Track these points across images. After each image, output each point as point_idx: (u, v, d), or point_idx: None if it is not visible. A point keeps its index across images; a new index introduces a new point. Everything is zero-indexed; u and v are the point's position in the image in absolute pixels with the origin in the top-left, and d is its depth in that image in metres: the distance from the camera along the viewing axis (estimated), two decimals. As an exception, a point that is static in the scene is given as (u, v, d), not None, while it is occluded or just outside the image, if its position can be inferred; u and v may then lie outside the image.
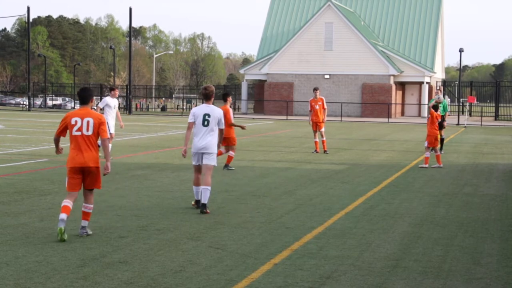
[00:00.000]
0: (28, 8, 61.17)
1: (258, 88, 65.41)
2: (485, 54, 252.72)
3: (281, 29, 68.55)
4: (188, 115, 11.99)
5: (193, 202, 11.75)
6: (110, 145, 19.25)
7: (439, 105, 23.35)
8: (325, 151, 22.60)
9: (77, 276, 7.33)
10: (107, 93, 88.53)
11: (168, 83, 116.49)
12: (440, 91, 25.02)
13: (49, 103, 76.04)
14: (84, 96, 9.32)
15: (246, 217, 10.92)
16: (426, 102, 55.88)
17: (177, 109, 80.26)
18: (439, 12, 66.28)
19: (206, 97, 11.54)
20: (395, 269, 7.89)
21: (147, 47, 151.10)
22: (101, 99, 77.76)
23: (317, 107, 22.61)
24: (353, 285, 7.22)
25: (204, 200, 11.21)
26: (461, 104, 57.14)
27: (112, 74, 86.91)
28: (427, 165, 18.73)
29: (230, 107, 17.28)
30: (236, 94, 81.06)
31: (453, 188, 14.90)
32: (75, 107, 74.20)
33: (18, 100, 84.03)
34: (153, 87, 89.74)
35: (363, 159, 21.14)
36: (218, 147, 11.67)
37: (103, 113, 18.81)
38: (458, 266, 8.13)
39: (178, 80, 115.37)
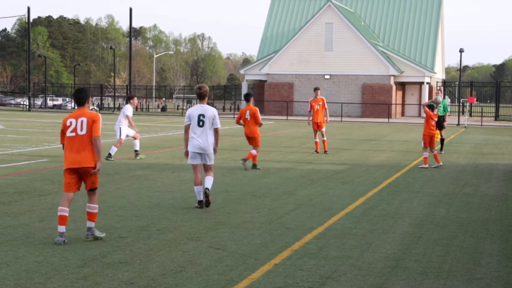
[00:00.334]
0: (28, 9, 61.19)
1: (258, 88, 65.40)
2: (485, 55, 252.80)
3: (281, 29, 68.56)
4: None
5: (196, 204, 11.78)
6: (115, 149, 19.53)
7: (440, 105, 23.39)
8: (325, 151, 22.61)
9: (77, 276, 7.34)
10: (104, 95, 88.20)
11: (168, 84, 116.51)
12: (441, 91, 25.02)
13: (49, 103, 76.05)
14: (80, 98, 9.18)
15: (246, 217, 10.92)
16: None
17: (177, 109, 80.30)
18: (439, 13, 66.29)
19: (200, 97, 11.78)
20: (395, 270, 7.89)
21: (147, 48, 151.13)
22: (101, 99, 78.11)
23: (317, 107, 22.60)
24: (353, 286, 7.22)
25: (208, 185, 11.57)
26: (461, 104, 57.15)
27: (113, 74, 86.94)
28: (427, 165, 18.73)
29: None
30: (236, 95, 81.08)
31: (453, 189, 14.90)
32: (75, 107, 74.24)
33: (18, 100, 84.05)
34: (153, 87, 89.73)
35: (363, 159, 21.14)
36: (216, 146, 11.82)
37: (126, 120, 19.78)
38: (458, 266, 8.13)
39: (178, 80, 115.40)
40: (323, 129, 22.69)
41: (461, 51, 52.76)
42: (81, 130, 8.90)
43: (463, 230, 10.28)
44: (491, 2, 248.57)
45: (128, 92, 63.22)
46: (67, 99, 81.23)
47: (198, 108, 11.73)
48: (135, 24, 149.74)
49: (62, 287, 6.95)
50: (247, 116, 17.57)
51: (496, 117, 58.59)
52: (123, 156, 20.50)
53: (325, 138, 22.98)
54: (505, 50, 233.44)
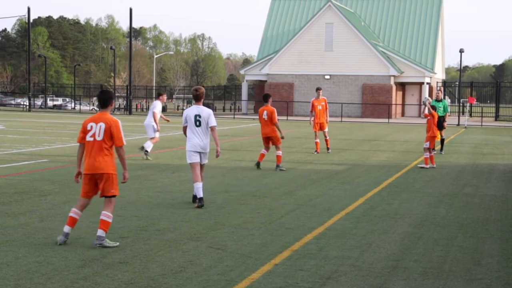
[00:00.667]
0: (29, 9, 61.19)
1: (259, 88, 65.40)
2: (485, 55, 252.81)
3: (282, 30, 68.57)
4: None
5: (196, 204, 11.84)
6: (151, 145, 19.65)
7: (440, 105, 23.38)
8: (327, 149, 22.72)
9: (77, 276, 7.33)
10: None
11: (168, 84, 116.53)
12: (441, 91, 25.01)
13: (50, 103, 76.08)
14: (104, 99, 8.87)
15: (246, 217, 10.92)
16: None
17: (178, 109, 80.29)
18: (439, 13, 66.30)
19: (196, 98, 12.14)
20: (395, 270, 7.89)
21: (147, 48, 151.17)
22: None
23: (319, 107, 22.64)
24: (353, 286, 7.22)
25: (201, 194, 11.86)
26: (461, 104, 57.15)
27: (113, 74, 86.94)
28: (428, 166, 18.73)
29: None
30: (236, 95, 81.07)
31: (453, 189, 14.90)
32: (75, 107, 74.26)
33: (19, 100, 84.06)
34: (154, 87, 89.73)
35: (364, 160, 21.14)
36: (217, 146, 12.10)
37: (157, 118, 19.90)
38: (458, 266, 8.13)
39: (178, 80, 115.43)
40: (326, 130, 22.79)
41: (461, 51, 52.76)
42: (99, 136, 8.72)
43: (463, 230, 10.27)
44: (491, 2, 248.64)
45: (129, 92, 63.20)
46: (67, 99, 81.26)
47: (194, 109, 12.08)
48: (135, 24, 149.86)
49: (62, 287, 6.95)
50: (264, 116, 17.65)
51: (496, 118, 58.58)
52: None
53: (327, 138, 23.06)
54: (505, 50, 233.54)
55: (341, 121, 51.78)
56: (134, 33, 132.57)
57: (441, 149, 23.77)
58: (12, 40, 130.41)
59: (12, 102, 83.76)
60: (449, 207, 12.38)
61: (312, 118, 22.69)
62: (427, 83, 59.85)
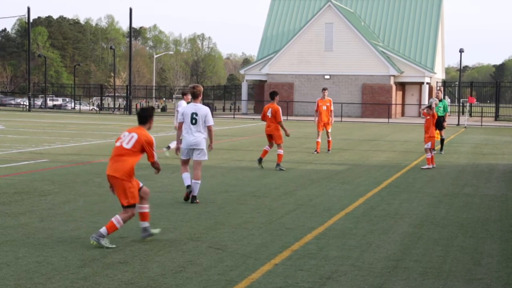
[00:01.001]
0: (28, 9, 61.19)
1: (258, 88, 65.41)
2: (485, 55, 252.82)
3: (281, 30, 68.56)
4: None
5: (184, 194, 12.29)
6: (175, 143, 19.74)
7: (439, 105, 23.40)
8: (328, 150, 22.78)
9: (77, 276, 7.33)
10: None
11: (168, 84, 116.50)
12: (441, 91, 25.01)
13: (49, 103, 76.06)
14: (143, 117, 9.16)
15: (246, 217, 10.92)
16: (427, 102, 55.86)
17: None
18: (439, 13, 66.30)
19: (193, 96, 12.24)
20: (395, 270, 7.89)
21: (147, 48, 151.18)
22: (101, 99, 78.14)
23: (324, 107, 22.75)
24: (353, 286, 7.22)
25: (195, 192, 12.11)
26: (461, 104, 57.14)
27: (112, 74, 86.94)
28: (430, 166, 18.71)
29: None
30: (236, 95, 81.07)
31: (453, 189, 14.90)
32: (75, 107, 74.24)
33: (18, 100, 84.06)
34: (153, 87, 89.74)
35: (363, 160, 21.14)
36: (210, 143, 12.38)
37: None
38: (458, 266, 8.13)
39: (178, 80, 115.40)
40: (329, 130, 22.89)
41: (461, 51, 52.76)
42: (127, 143, 8.94)
43: (463, 231, 10.27)
44: (491, 2, 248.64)
45: (129, 92, 63.18)
46: (67, 99, 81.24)
47: (191, 107, 12.23)
48: (135, 24, 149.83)
49: (62, 287, 6.94)
50: (269, 113, 17.75)
51: (496, 117, 58.58)
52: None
53: (330, 139, 23.15)
54: (505, 50, 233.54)
55: (341, 121, 51.77)
56: (134, 33, 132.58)
57: (441, 149, 23.77)
58: (12, 40, 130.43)
59: (12, 102, 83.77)
60: (449, 207, 12.38)
61: (317, 118, 22.80)
62: (427, 83, 59.84)
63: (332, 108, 23.00)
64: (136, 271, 7.59)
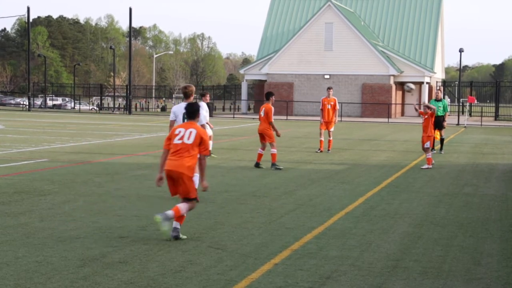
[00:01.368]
0: (28, 8, 61.19)
1: (258, 88, 65.41)
2: (485, 54, 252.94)
3: (281, 29, 68.56)
4: None
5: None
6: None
7: (439, 105, 23.39)
8: (328, 150, 22.80)
9: (77, 276, 7.33)
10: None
11: (168, 83, 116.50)
12: (440, 91, 25.02)
13: (49, 103, 76.05)
14: (192, 111, 9.41)
15: (246, 217, 10.92)
16: (426, 102, 55.84)
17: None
18: (439, 12, 66.30)
19: (186, 96, 12.31)
20: (395, 269, 7.89)
21: (147, 47, 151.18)
22: (101, 99, 78.12)
23: (329, 106, 22.90)
24: (353, 285, 7.22)
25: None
26: (461, 104, 57.14)
27: (112, 74, 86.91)
28: (431, 166, 18.72)
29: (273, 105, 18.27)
30: (236, 94, 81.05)
31: (453, 188, 14.90)
32: (75, 107, 74.24)
33: (18, 100, 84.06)
34: (153, 87, 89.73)
35: (363, 159, 21.14)
36: None
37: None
38: (458, 266, 8.13)
39: (178, 80, 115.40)
40: (332, 129, 22.94)
41: (461, 51, 52.77)
42: (188, 139, 9.11)
43: (463, 230, 10.27)
44: (491, 2, 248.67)
45: (128, 92, 63.17)
46: (67, 99, 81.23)
47: (183, 106, 12.32)
48: (135, 24, 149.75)
49: (62, 287, 6.94)
50: (262, 113, 17.96)
51: (496, 117, 58.59)
52: (123, 156, 20.50)
53: (331, 138, 23.20)
54: (505, 50, 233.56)
55: (341, 120, 51.77)
56: (134, 32, 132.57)
57: (441, 148, 23.77)
58: (11, 40, 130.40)
59: (12, 101, 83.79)
60: (449, 207, 12.38)
61: (322, 118, 22.99)
62: (427, 83, 59.85)
63: (337, 107, 23.16)
64: (136, 270, 7.59)
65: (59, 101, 79.53)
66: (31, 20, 73.86)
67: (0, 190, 13.14)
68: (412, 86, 20.24)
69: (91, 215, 10.75)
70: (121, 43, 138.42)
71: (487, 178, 17.01)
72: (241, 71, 68.34)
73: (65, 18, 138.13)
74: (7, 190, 13.23)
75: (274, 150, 17.88)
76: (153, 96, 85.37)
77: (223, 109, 76.37)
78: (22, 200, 12.15)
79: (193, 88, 12.42)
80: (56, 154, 20.64)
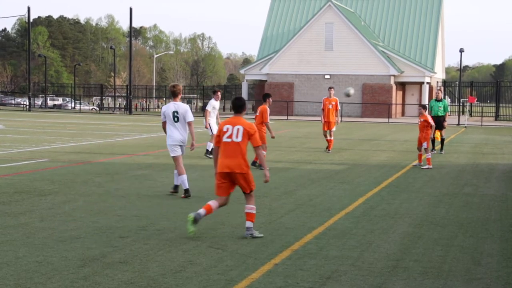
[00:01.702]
0: (29, 8, 61.19)
1: (259, 88, 65.38)
2: (485, 54, 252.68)
3: (282, 29, 68.56)
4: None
5: (182, 196, 12.69)
6: (211, 144, 19.73)
7: (440, 105, 23.41)
8: (328, 150, 22.83)
9: (77, 276, 7.34)
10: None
11: (168, 83, 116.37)
12: (441, 91, 25.03)
13: (50, 103, 76.02)
14: (239, 105, 9.53)
15: (246, 217, 10.91)
16: (427, 102, 55.88)
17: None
18: (440, 12, 66.28)
19: (173, 94, 12.82)
20: (395, 269, 7.89)
21: (147, 47, 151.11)
22: (101, 99, 78.13)
23: (330, 106, 22.91)
24: (353, 285, 7.22)
25: (187, 185, 12.68)
26: (461, 104, 57.13)
27: (113, 74, 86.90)
28: (431, 166, 18.72)
29: (269, 107, 18.50)
30: (236, 94, 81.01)
31: (453, 188, 14.90)
32: (75, 107, 74.26)
33: (19, 100, 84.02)
34: (154, 87, 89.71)
35: (364, 159, 21.14)
36: (193, 140, 12.86)
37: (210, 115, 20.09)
38: (458, 266, 8.13)
39: (178, 80, 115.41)
40: (333, 129, 22.99)
41: (461, 51, 52.75)
42: (237, 137, 9.29)
43: (463, 230, 10.28)
44: (491, 2, 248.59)
45: (129, 92, 63.16)
46: (67, 99, 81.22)
47: (171, 106, 12.80)
48: (135, 24, 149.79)
49: (62, 287, 6.95)
50: (257, 113, 18.21)
51: (496, 117, 58.57)
52: (123, 156, 20.50)
53: (332, 138, 23.21)
54: (505, 50, 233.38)
55: (341, 120, 51.73)
56: (134, 32, 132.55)
57: (441, 148, 23.76)
58: (12, 40, 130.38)
59: (12, 101, 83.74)
60: (449, 207, 12.39)
61: (323, 118, 23.03)
62: (427, 83, 59.84)
63: (338, 107, 23.19)
64: (136, 270, 7.59)
65: (59, 101, 79.50)
66: (31, 20, 73.87)
67: (0, 190, 13.15)
68: (351, 91, 20.37)
69: (91, 215, 10.76)
70: (121, 43, 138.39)
71: (487, 178, 17.01)
72: (242, 71, 68.32)
73: (65, 18, 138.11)
74: (8, 190, 13.23)
75: (264, 152, 17.84)
76: (154, 96, 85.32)
77: (224, 109, 76.32)
78: (22, 200, 12.15)
79: (181, 87, 12.93)
80: (56, 154, 20.65)
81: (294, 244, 9.06)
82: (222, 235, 9.55)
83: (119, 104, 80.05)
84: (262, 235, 9.42)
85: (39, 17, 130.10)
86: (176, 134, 12.68)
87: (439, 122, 23.12)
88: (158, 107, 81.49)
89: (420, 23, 66.13)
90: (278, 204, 12.26)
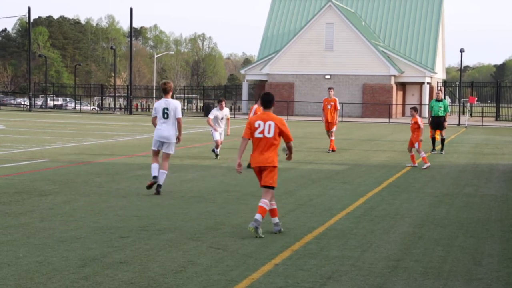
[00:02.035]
0: (29, 9, 61.21)
1: (259, 88, 65.37)
2: (486, 55, 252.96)
3: (282, 30, 68.57)
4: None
5: (149, 182, 13.04)
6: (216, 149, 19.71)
7: (440, 105, 23.40)
8: (329, 150, 22.90)
9: (77, 276, 7.33)
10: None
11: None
12: (441, 91, 25.03)
13: (50, 103, 76.07)
14: (268, 101, 9.77)
15: (246, 217, 10.92)
16: (427, 102, 55.88)
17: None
18: (440, 12, 66.29)
19: (164, 92, 13.14)
20: (395, 270, 7.89)
21: (148, 48, 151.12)
22: (101, 99, 78.14)
23: (329, 106, 23.04)
24: (353, 286, 7.22)
25: (161, 181, 13.07)
26: (462, 104, 57.14)
27: (113, 74, 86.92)
28: (429, 164, 18.75)
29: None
30: (236, 95, 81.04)
31: (454, 189, 14.89)
32: (76, 107, 74.27)
33: (19, 100, 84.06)
34: (154, 87, 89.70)
35: (364, 160, 21.14)
36: (179, 135, 13.21)
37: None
38: (458, 266, 8.13)
39: (179, 80, 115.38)
40: (334, 129, 23.07)
41: (461, 51, 52.75)
42: (269, 133, 9.56)
43: (464, 230, 10.27)
44: (491, 2, 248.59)
45: (129, 92, 63.15)
46: (68, 99, 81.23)
47: (162, 102, 13.17)
48: (136, 24, 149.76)
49: (63, 287, 6.94)
50: (251, 114, 18.38)
51: (497, 117, 58.57)
52: (123, 156, 20.50)
53: (333, 138, 23.29)
54: (505, 50, 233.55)
55: (342, 120, 51.75)
56: (135, 33, 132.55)
57: (442, 149, 23.76)
58: (12, 40, 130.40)
59: (13, 102, 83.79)
60: (449, 207, 12.38)
61: (324, 117, 23.16)
62: (428, 83, 59.84)
63: (338, 107, 23.27)
64: (137, 271, 7.59)
65: (60, 101, 79.52)
66: (32, 20, 73.88)
67: (1, 190, 13.15)
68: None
69: (91, 215, 10.75)
70: (122, 43, 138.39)
71: (488, 178, 17.01)
72: (242, 71, 68.34)
73: (66, 18, 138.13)
74: (8, 190, 13.23)
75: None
76: (154, 96, 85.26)
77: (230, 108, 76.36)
78: (23, 200, 12.15)
79: (172, 84, 13.26)
80: (57, 154, 20.65)
81: (294, 244, 9.05)
82: (222, 235, 9.55)
83: (120, 104, 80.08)
84: (263, 236, 9.41)
85: (39, 17, 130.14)
86: (162, 130, 13.03)
87: (440, 122, 23.12)
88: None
89: (421, 23, 66.13)
90: (279, 204, 12.24)
